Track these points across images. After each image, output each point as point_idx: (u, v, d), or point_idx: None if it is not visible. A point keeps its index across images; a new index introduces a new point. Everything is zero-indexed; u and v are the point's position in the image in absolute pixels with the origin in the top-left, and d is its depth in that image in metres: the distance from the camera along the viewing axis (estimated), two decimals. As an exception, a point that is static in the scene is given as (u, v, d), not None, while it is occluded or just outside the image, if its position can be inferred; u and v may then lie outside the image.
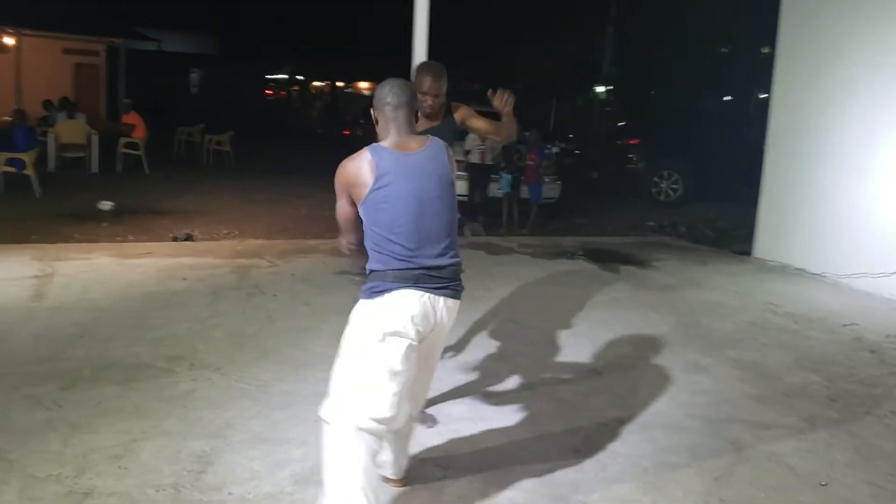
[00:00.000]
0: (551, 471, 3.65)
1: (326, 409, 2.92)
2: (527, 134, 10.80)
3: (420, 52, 7.10)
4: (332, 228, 9.40)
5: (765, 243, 8.97)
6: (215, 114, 20.36)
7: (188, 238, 8.67)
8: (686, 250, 9.56)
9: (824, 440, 4.21)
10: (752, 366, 5.32)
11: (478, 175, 10.97)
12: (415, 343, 2.93)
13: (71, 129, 13.61)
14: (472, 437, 3.96)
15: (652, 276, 7.91)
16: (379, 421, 2.90)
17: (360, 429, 2.86)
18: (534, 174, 10.76)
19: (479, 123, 4.33)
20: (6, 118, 11.92)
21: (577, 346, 5.54)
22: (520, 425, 4.14)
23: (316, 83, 41.75)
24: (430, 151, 3.04)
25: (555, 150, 12.84)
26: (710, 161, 13.46)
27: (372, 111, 3.13)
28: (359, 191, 2.96)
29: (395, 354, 2.90)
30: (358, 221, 3.06)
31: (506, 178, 10.81)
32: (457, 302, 3.08)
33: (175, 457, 3.55)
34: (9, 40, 26.06)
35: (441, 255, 2.98)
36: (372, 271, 3.00)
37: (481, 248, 8.90)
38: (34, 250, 7.43)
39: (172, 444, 3.68)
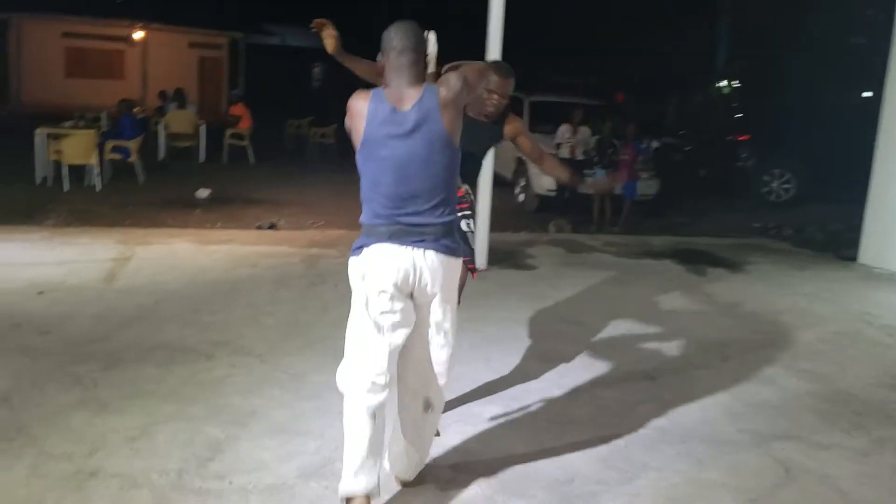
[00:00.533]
0: (570, 481, 3.44)
1: (337, 374, 3.04)
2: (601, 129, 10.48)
3: (494, 47, 6.94)
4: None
5: (871, 249, 8.30)
6: (325, 107, 20.68)
7: (272, 227, 8.82)
8: (786, 254, 8.99)
9: (891, 466, 3.81)
10: (826, 379, 4.90)
11: (568, 170, 10.67)
12: (397, 297, 2.90)
13: (180, 119, 14.16)
14: (494, 441, 3.79)
15: (740, 280, 7.45)
16: (371, 379, 2.92)
17: (359, 390, 2.93)
18: (628, 170, 10.37)
19: (526, 145, 4.19)
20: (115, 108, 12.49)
21: (637, 350, 5.25)
22: (549, 430, 3.93)
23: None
24: (422, 109, 2.89)
25: (655, 145, 12.35)
26: (827, 160, 12.63)
27: (378, 56, 3.02)
28: (355, 134, 2.98)
29: (376, 309, 2.92)
30: None
31: (599, 173, 10.46)
32: (444, 257, 2.95)
33: (189, 442, 3.55)
34: (137, 34, 27.50)
35: (425, 213, 2.91)
36: (361, 224, 3.01)
37: (562, 245, 8.65)
38: (121, 234, 7.73)
39: (191, 428, 3.69)
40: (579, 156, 10.68)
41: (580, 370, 4.80)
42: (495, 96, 3.89)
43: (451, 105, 2.94)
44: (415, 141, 2.89)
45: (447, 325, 3.12)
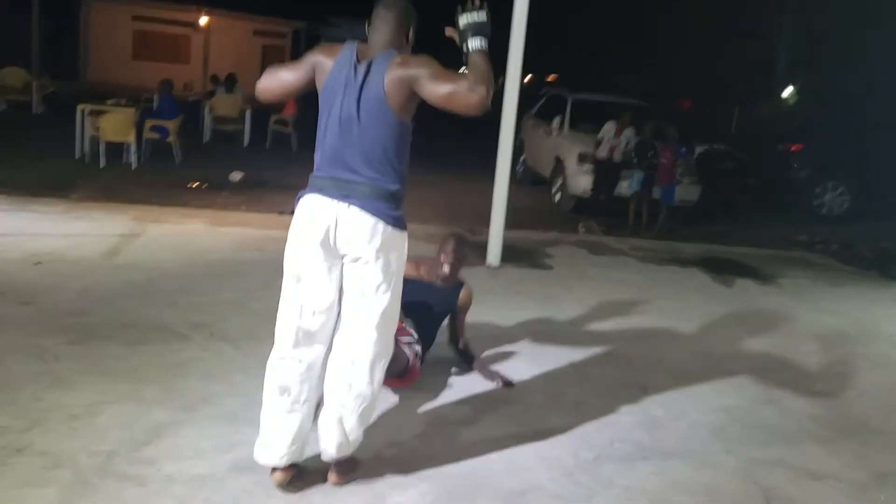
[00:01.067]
0: (523, 493, 3.19)
1: None
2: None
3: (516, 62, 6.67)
4: (445, 216, 9.23)
5: (917, 268, 7.80)
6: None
7: (293, 212, 8.69)
8: (825, 269, 8.52)
9: None
10: (837, 404, 4.54)
11: (604, 171, 10.34)
12: (318, 251, 2.89)
13: (226, 103, 14.20)
14: (455, 445, 3.55)
15: (768, 294, 7.06)
16: (286, 332, 2.96)
17: (278, 349, 2.99)
18: (667, 174, 9.97)
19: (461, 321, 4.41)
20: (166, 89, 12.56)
21: (636, 359, 4.95)
22: (518, 438, 3.67)
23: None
24: (371, 70, 2.87)
25: (699, 150, 11.89)
26: (886, 175, 12.02)
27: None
28: (319, 75, 2.97)
29: (298, 259, 2.94)
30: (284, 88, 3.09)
31: (636, 175, 10.09)
32: (371, 218, 2.86)
33: (130, 424, 3.41)
34: (203, 20, 27.86)
35: (357, 173, 2.87)
36: None
37: (588, 246, 8.34)
38: (138, 211, 7.69)
39: (137, 410, 3.54)
40: (617, 158, 10.32)
41: (570, 376, 4.54)
42: (449, 261, 4.24)
43: (399, 77, 2.85)
44: (358, 96, 2.86)
45: (368, 316, 2.95)
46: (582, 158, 10.63)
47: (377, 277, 2.92)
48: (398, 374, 3.88)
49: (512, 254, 7.33)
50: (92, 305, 4.87)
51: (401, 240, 2.97)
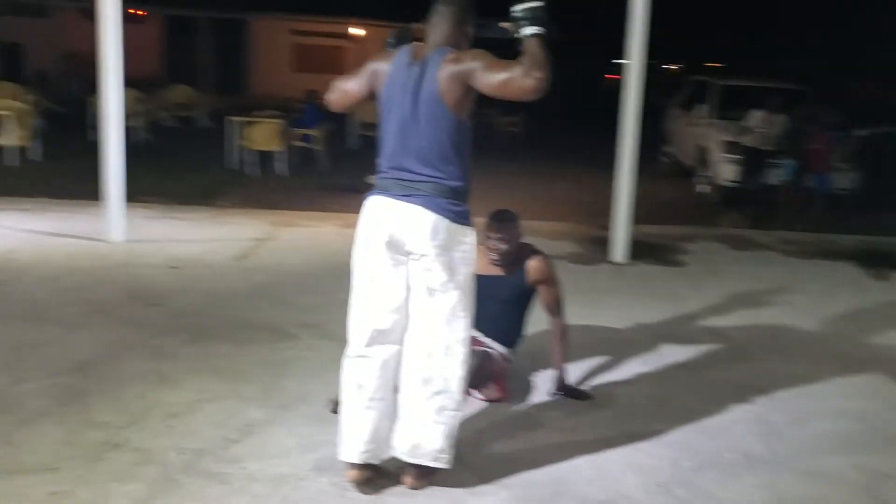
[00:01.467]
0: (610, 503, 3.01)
1: None
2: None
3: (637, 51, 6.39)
4: (567, 214, 9.01)
5: None
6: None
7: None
8: None
9: None
10: None
11: (752, 159, 9.73)
12: (384, 250, 2.90)
13: (370, 109, 14.54)
14: (540, 451, 3.41)
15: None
16: (359, 331, 2.99)
17: (352, 348, 3.04)
18: (821, 161, 9.27)
19: (546, 297, 3.96)
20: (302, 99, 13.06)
21: (765, 361, 4.62)
22: (612, 444, 3.48)
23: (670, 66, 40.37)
24: (425, 67, 2.86)
25: (862, 133, 10.94)
26: None
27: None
28: (378, 81, 3.01)
29: (366, 260, 2.96)
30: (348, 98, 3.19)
31: (788, 164, 9.44)
32: (429, 213, 2.84)
33: (224, 423, 3.51)
34: (357, 31, 28.76)
35: (418, 172, 2.86)
36: None
37: (729, 241, 7.88)
38: (275, 216, 7.99)
39: (233, 409, 3.65)
40: (767, 145, 9.68)
41: (682, 379, 4.28)
42: (495, 242, 3.83)
43: (453, 73, 2.83)
44: (414, 96, 2.87)
45: (438, 313, 2.90)
46: (727, 147, 10.06)
47: (442, 274, 2.88)
48: (485, 379, 3.76)
49: (642, 250, 7.03)
50: (213, 306, 5.09)
51: (465, 235, 2.93)
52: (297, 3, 29.40)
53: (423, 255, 2.88)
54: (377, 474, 3.05)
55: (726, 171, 10.04)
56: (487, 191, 10.82)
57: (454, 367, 2.96)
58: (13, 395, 3.68)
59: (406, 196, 2.87)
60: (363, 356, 3.01)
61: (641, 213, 9.18)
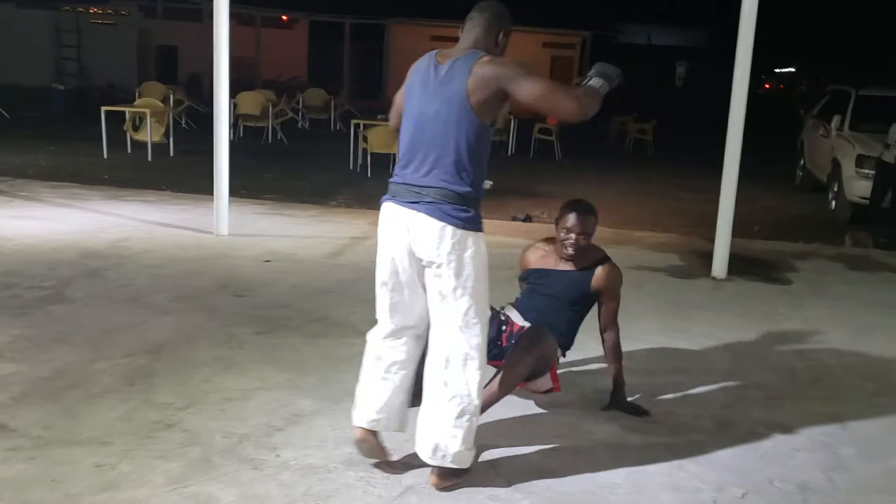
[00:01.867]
0: None
1: None
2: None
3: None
4: (682, 225, 8.70)
5: None
6: (646, 102, 19.97)
7: (527, 219, 8.73)
8: None
9: None
10: None
11: (889, 176, 9.07)
12: (397, 257, 2.96)
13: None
14: (579, 463, 3.32)
15: None
16: (376, 329, 3.11)
17: (376, 332, 3.14)
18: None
19: (607, 307, 3.75)
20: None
21: (853, 391, 4.30)
22: (657, 462, 3.34)
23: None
24: (454, 67, 2.85)
25: None
26: None
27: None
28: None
29: (380, 264, 3.05)
30: (398, 111, 3.13)
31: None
32: (434, 221, 2.84)
33: (274, 411, 3.61)
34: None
35: (428, 175, 2.86)
36: None
37: (848, 261, 7.41)
38: (376, 216, 8.12)
39: (287, 398, 3.75)
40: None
41: (755, 402, 4.05)
42: (572, 235, 3.62)
43: (487, 75, 2.81)
44: (436, 98, 2.87)
45: (451, 319, 2.90)
46: (861, 161, 9.44)
47: (451, 281, 2.87)
48: (540, 371, 3.61)
49: (747, 265, 6.73)
50: (295, 300, 5.26)
51: (474, 240, 2.89)
52: (437, 9, 29.83)
53: (431, 263, 2.89)
54: (380, 445, 3.16)
55: (857, 187, 9.42)
56: (604, 198, 10.69)
57: (471, 373, 2.94)
58: (89, 371, 3.94)
59: (413, 203, 2.88)
60: (386, 339, 3.12)
61: (764, 228, 8.83)
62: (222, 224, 6.90)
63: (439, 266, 2.87)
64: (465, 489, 3.04)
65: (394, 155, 11.48)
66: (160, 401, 3.66)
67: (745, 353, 4.76)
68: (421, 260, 2.92)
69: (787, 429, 3.75)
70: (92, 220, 7.30)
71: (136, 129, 12.32)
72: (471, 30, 2.96)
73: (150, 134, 11.70)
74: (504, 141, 14.83)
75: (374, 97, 25.75)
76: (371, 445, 3.12)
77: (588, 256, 3.71)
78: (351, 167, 11.98)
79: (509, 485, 3.10)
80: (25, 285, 5.25)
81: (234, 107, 14.63)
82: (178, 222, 7.33)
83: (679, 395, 4.10)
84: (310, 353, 4.34)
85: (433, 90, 2.88)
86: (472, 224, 2.88)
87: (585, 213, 3.66)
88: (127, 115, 12.27)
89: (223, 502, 2.89)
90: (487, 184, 10.89)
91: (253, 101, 15.03)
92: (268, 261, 6.19)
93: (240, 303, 5.16)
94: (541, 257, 3.78)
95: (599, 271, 3.72)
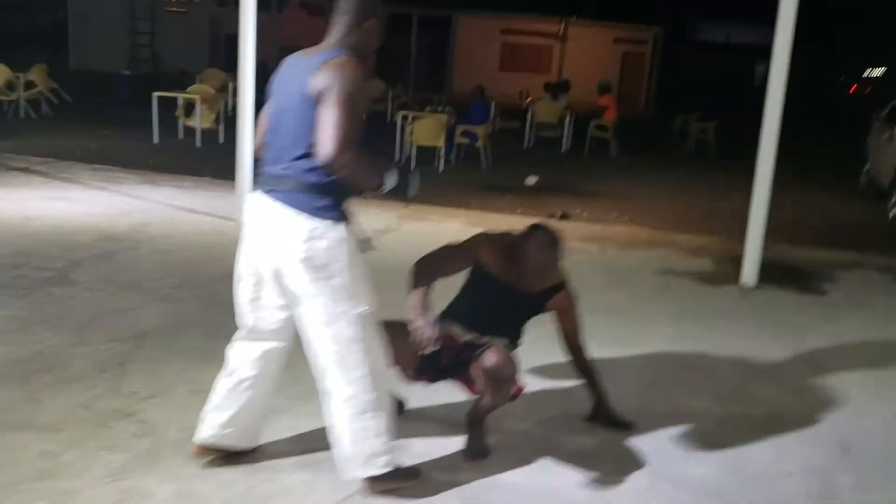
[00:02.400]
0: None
1: None
2: None
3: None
4: (726, 228, 8.31)
5: None
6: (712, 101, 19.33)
7: (563, 217, 8.47)
8: None
9: None
10: None
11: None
12: (251, 247, 2.88)
13: (546, 110, 14.35)
14: (538, 477, 3.14)
15: None
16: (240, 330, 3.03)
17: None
18: None
19: (567, 328, 3.48)
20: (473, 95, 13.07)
21: (868, 416, 3.98)
22: (622, 481, 3.14)
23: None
24: (307, 63, 2.72)
25: None
26: None
27: None
28: None
29: (240, 254, 2.95)
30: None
31: None
32: (289, 209, 2.72)
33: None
34: (566, 30, 28.53)
35: (285, 168, 2.75)
36: None
37: (894, 272, 6.93)
38: (406, 209, 8.02)
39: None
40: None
41: (748, 424, 3.78)
42: (528, 267, 3.32)
43: (317, 85, 2.66)
44: (289, 93, 2.76)
45: (315, 316, 2.79)
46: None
47: (306, 275, 2.75)
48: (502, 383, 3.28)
49: (783, 273, 6.38)
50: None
51: (331, 230, 2.76)
52: (508, 2, 29.62)
53: (285, 254, 2.75)
54: (226, 459, 3.07)
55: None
56: (652, 197, 10.37)
57: (352, 369, 2.78)
58: (66, 355, 3.92)
59: (269, 191, 2.78)
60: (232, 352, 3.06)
61: (815, 235, 8.39)
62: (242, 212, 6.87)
63: (293, 260, 2.75)
64: (401, 497, 2.89)
65: (438, 148, 11.39)
66: (127, 389, 3.62)
67: (754, 367, 4.48)
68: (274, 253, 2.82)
69: (784, 452, 3.49)
70: (120, 203, 7.38)
71: (188, 115, 12.48)
72: (334, 24, 2.79)
73: (198, 120, 11.83)
74: (558, 137, 14.54)
75: (439, 89, 25.68)
76: (212, 458, 3.06)
77: (546, 279, 3.40)
78: (396, 159, 11.89)
79: (464, 499, 2.94)
80: (34, 265, 5.30)
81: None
82: (205, 209, 7.34)
83: (671, 408, 3.86)
84: (297, 348, 4.23)
85: (289, 84, 2.76)
86: (329, 212, 2.74)
87: (551, 244, 3.35)
88: (179, 101, 12.44)
89: (157, 499, 2.82)
90: (532, 179, 10.73)
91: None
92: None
93: (240, 292, 5.10)
94: (496, 261, 3.38)
95: (558, 298, 3.43)
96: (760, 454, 3.46)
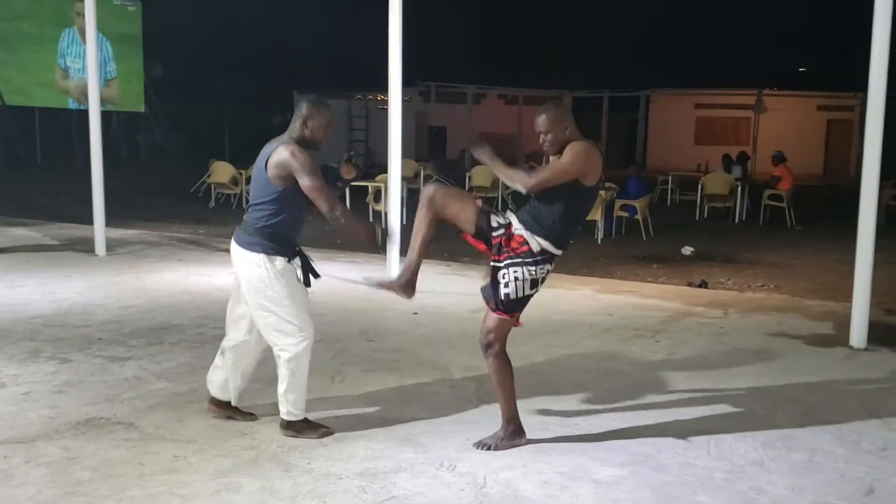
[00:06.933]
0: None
1: None
2: None
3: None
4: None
5: None
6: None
7: (702, 285, 8.72)
8: None
9: None
10: None
11: None
12: (236, 274, 4.33)
13: (715, 181, 14.47)
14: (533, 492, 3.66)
15: None
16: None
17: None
18: None
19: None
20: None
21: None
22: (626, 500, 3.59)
23: None
24: (270, 147, 4.18)
25: None
26: None
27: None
28: None
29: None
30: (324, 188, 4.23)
31: None
32: (240, 249, 4.24)
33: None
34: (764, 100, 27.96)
35: (248, 215, 4.27)
36: None
37: None
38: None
39: (341, 422, 4.46)
40: None
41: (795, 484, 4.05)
42: (540, 137, 4.18)
43: (276, 163, 4.12)
44: (259, 166, 4.19)
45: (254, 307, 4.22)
46: None
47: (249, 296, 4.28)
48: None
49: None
50: (416, 346, 5.99)
51: (249, 259, 4.20)
52: (702, 77, 29.69)
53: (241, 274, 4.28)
54: (228, 410, 4.51)
55: None
56: (812, 265, 10.24)
57: (277, 336, 4.25)
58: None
59: (235, 235, 4.33)
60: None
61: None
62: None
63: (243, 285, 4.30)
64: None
65: (596, 221, 11.92)
66: (156, 431, 4.41)
67: (829, 430, 4.52)
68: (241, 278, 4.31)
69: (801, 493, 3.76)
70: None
71: (376, 200, 13.95)
72: (293, 121, 4.22)
73: (384, 205, 13.20)
74: (730, 207, 14.56)
75: (625, 165, 26.10)
76: (219, 410, 4.52)
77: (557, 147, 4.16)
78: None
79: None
80: (212, 325, 6.47)
81: (468, 179, 15.95)
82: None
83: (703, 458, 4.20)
84: (388, 389, 5.02)
85: (257, 163, 4.20)
86: (255, 247, 4.15)
87: (541, 112, 4.16)
88: (369, 189, 13.94)
89: (245, 490, 3.68)
90: (688, 250, 11.01)
91: (487, 174, 16.18)
92: (415, 313, 6.98)
93: (365, 346, 6.00)
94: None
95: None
96: (781, 490, 3.74)
